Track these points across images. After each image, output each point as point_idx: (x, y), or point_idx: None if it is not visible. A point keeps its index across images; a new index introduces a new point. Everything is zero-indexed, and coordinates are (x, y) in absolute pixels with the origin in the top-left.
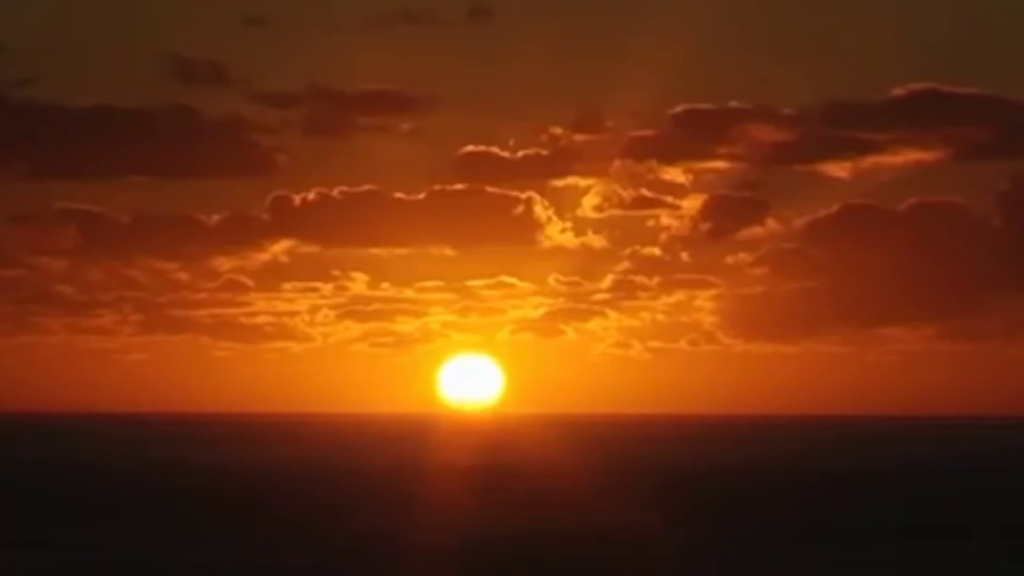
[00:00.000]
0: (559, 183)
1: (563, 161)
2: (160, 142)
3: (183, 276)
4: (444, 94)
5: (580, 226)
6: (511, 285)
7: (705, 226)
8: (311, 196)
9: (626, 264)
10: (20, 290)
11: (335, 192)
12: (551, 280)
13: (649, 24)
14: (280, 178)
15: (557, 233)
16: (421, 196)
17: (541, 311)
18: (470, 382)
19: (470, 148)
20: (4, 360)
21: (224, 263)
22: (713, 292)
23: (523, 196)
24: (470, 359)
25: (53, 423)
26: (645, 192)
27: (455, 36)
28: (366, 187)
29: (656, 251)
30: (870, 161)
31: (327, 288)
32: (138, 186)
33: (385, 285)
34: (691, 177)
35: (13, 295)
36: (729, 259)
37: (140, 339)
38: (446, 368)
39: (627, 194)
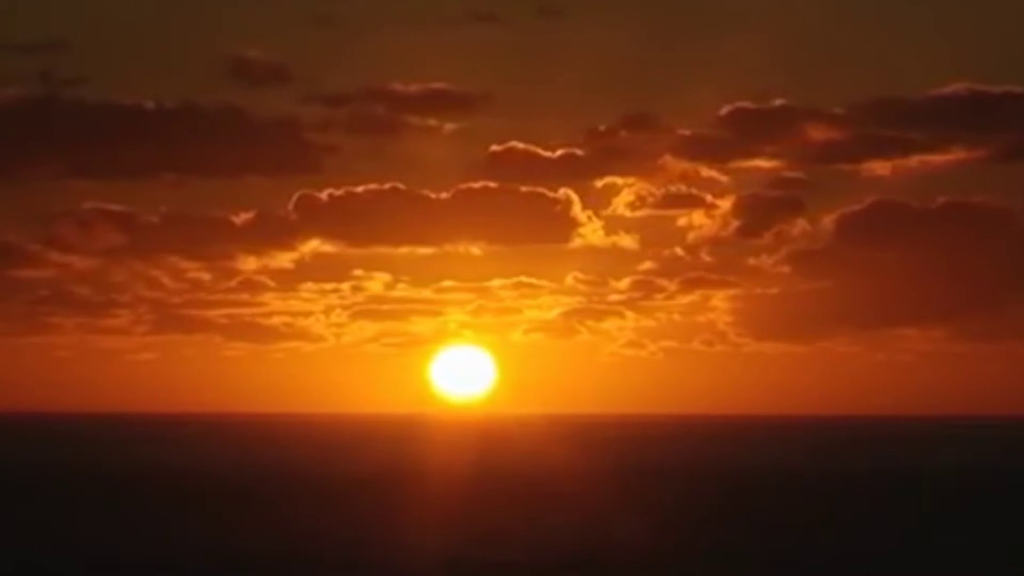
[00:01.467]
0: (598, 182)
1: (605, 160)
2: (200, 141)
3: (205, 276)
4: (499, 93)
5: (612, 225)
6: (530, 285)
7: (735, 226)
8: (338, 194)
9: (649, 264)
10: (39, 289)
11: (360, 190)
12: (569, 279)
13: (709, 25)
14: (318, 177)
15: (587, 232)
16: (448, 195)
17: (557, 311)
18: (476, 381)
19: (500, 146)
20: (18, 359)
21: (249, 262)
22: (731, 292)
23: (556, 195)
24: (480, 358)
25: (53, 423)
26: (684, 191)
27: (519, 35)
28: (393, 185)
29: (680, 251)
30: (914, 160)
31: (345, 288)
32: (171, 185)
33: (402, 285)
34: (732, 176)
35: (31, 295)
36: (751, 260)
37: (152, 339)
38: (455, 367)
39: (664, 193)
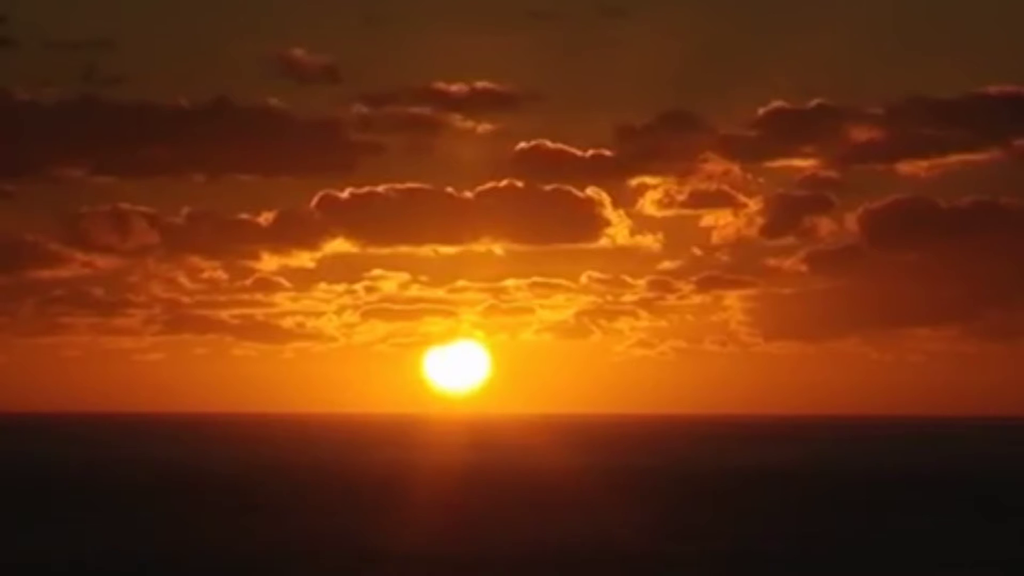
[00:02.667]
0: (632, 181)
1: (638, 159)
2: (234, 141)
3: (222, 276)
4: (546, 92)
5: (638, 225)
6: (545, 284)
7: (759, 226)
8: (360, 193)
9: (668, 264)
10: (55, 289)
11: (382, 189)
12: (584, 279)
13: (762, 26)
14: (349, 177)
15: (612, 232)
16: (472, 194)
17: (570, 311)
18: (480, 380)
19: (527, 144)
20: (28, 360)
21: (269, 262)
22: (746, 292)
23: (584, 194)
24: (487, 358)
25: (56, 423)
26: (714, 191)
27: (576, 35)
28: (416, 185)
29: (699, 251)
30: (950, 160)
31: (358, 288)
32: (200, 185)
33: (417, 285)
34: (766, 176)
35: (45, 295)
36: (771, 260)
37: (163, 339)
38: (460, 367)
39: (694, 193)
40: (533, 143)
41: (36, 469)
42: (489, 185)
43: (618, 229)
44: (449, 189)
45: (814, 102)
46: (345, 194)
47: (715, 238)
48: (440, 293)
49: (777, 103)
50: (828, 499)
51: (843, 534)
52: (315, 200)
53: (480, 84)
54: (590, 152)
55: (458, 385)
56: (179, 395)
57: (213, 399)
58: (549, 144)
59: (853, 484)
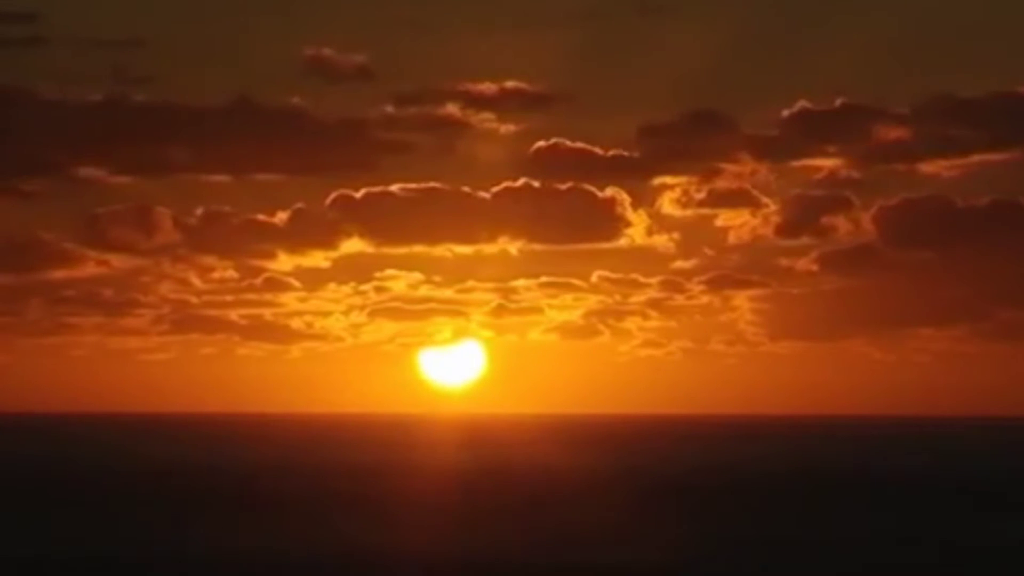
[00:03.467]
0: (654, 181)
1: (660, 159)
2: (257, 141)
3: (232, 275)
4: (577, 91)
5: (656, 225)
6: (556, 284)
7: (776, 225)
8: (374, 193)
9: (681, 263)
10: (65, 289)
11: (396, 189)
12: (595, 278)
13: (800, 24)
14: (368, 177)
15: (629, 232)
16: (488, 194)
17: (579, 311)
18: (484, 381)
19: (545, 143)
20: (39, 360)
21: (282, 262)
22: (756, 292)
23: (603, 194)
24: (492, 358)
25: (67, 423)
26: (734, 191)
27: (614, 34)
28: (431, 185)
29: (711, 251)
30: (973, 159)
31: (368, 288)
32: (216, 185)
33: (427, 285)
34: (788, 176)
35: (55, 295)
36: (783, 259)
37: (170, 339)
38: (463, 367)
39: (714, 193)
40: (552, 142)
41: (53, 468)
42: (505, 185)
43: (635, 229)
44: (465, 188)
45: (839, 101)
46: (360, 194)
47: (731, 238)
48: (449, 293)
49: (803, 103)
50: (791, 500)
51: (784, 536)
52: (330, 199)
53: (510, 84)
54: (611, 152)
55: (461, 385)
56: (186, 395)
57: (218, 399)
58: (568, 143)
59: (824, 485)
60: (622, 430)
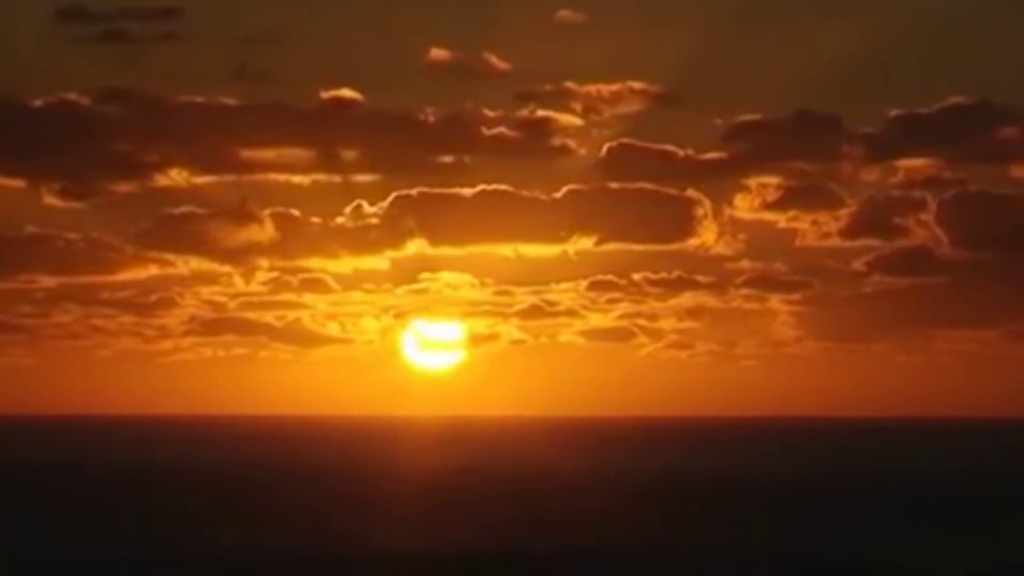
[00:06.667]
0: (735, 183)
1: (747, 161)
2: (341, 140)
3: (272, 277)
4: (685, 93)
5: (725, 227)
6: (601, 285)
7: (843, 228)
8: (432, 194)
9: (731, 266)
10: (102, 292)
11: (453, 192)
12: (638, 278)
13: (913, 25)
14: (440, 178)
15: (697, 234)
16: (558, 195)
17: (616, 313)
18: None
19: (617, 144)
20: (64, 362)
21: (329, 264)
22: (795, 296)
23: (681, 195)
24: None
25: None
26: (816, 192)
27: (721, 35)
28: (494, 187)
29: (765, 253)
30: None
31: (403, 290)
32: (271, 184)
33: (468, 287)
34: (875, 178)
35: (91, 296)
36: (845, 262)
37: (200, 341)
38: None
39: (793, 195)
40: (628, 142)
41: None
42: (570, 187)
43: (703, 232)
44: (527, 192)
45: (938, 105)
46: (415, 192)
47: (799, 240)
48: (487, 295)
49: (903, 106)
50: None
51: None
52: (388, 200)
53: (614, 87)
54: (700, 153)
55: (500, 388)
56: (217, 397)
57: (246, 402)
58: (651, 145)
59: (796, 490)
60: (644, 434)
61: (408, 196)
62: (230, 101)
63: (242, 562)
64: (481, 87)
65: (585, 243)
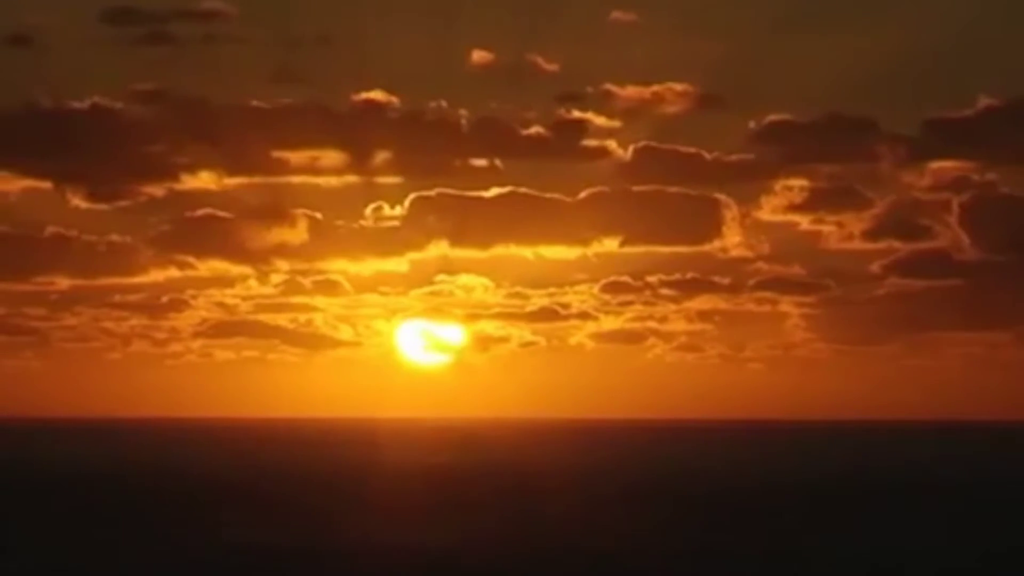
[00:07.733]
0: (761, 185)
1: (776, 163)
2: (336, 142)
3: (285, 279)
4: (725, 97)
5: (748, 230)
6: (614, 287)
7: (862, 232)
8: (452, 195)
9: (747, 268)
10: (113, 295)
11: (471, 194)
12: (653, 279)
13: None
14: (462, 180)
15: (722, 237)
16: (583, 197)
17: (628, 316)
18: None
19: (641, 147)
20: (79, 366)
21: (345, 266)
22: (808, 299)
23: (698, 197)
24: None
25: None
26: (843, 194)
27: (764, 40)
28: (511, 189)
29: (798, 256)
30: None
31: (415, 294)
32: (297, 186)
33: (481, 290)
34: (906, 180)
35: (102, 300)
36: (850, 265)
37: (210, 343)
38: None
39: (817, 198)
40: (654, 145)
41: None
42: (593, 190)
43: (724, 235)
44: (549, 195)
45: (969, 108)
46: (434, 193)
47: (821, 243)
48: (500, 297)
49: (935, 110)
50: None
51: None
52: (408, 202)
53: (656, 87)
54: (728, 156)
55: (512, 390)
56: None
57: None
58: (678, 148)
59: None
60: (643, 436)
61: (428, 198)
62: (263, 104)
63: (251, 556)
64: (522, 89)
65: (606, 246)
